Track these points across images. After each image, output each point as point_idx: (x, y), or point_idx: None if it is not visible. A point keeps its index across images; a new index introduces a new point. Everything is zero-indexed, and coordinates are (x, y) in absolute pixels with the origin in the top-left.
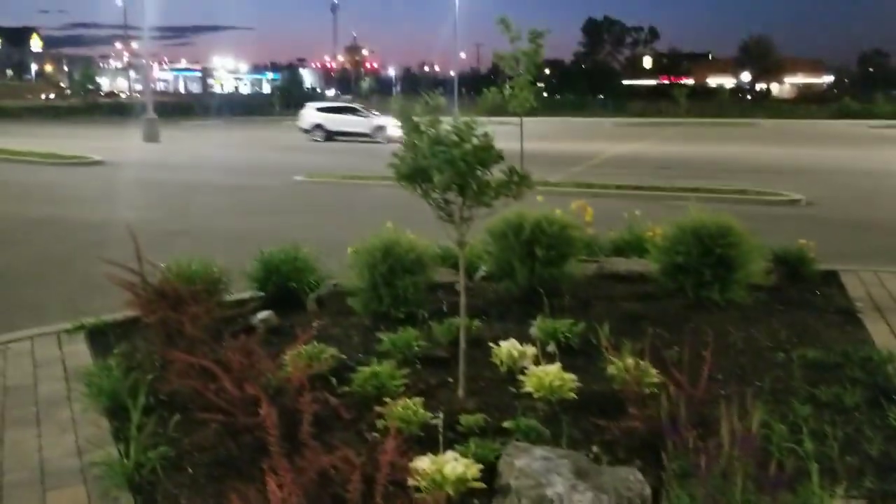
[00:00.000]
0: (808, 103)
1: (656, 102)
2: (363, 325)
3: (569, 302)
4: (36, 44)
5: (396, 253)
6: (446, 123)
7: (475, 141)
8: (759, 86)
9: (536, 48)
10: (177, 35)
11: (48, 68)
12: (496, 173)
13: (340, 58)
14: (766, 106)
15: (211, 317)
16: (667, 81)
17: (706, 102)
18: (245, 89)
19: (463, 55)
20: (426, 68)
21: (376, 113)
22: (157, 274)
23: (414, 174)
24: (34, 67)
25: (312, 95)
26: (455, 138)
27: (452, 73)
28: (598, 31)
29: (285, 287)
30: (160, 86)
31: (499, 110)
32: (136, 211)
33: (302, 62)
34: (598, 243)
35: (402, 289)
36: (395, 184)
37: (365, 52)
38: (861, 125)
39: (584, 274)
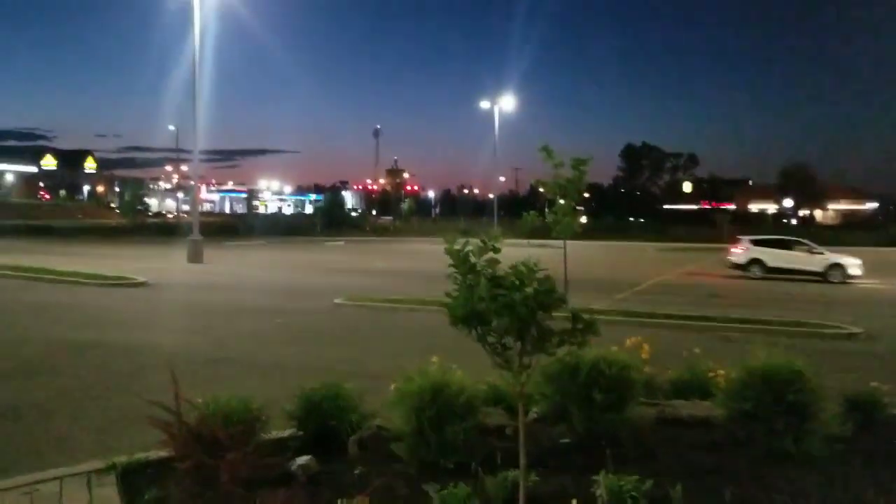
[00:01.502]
0: (853, 229)
1: (698, 227)
2: (409, 475)
3: (631, 452)
4: (90, 166)
5: (445, 396)
6: (505, 263)
7: (536, 284)
8: (802, 212)
9: (580, 175)
10: (225, 158)
11: (100, 189)
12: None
13: (381, 180)
14: (810, 232)
15: (248, 464)
16: (707, 206)
17: (749, 228)
18: (288, 210)
19: (502, 178)
20: (465, 191)
21: (822, 250)
22: (193, 410)
23: (470, 317)
24: (87, 188)
25: (353, 217)
26: (515, 281)
27: (491, 196)
28: (636, 156)
29: (326, 425)
30: (207, 206)
31: (538, 233)
32: (176, 335)
33: (344, 184)
34: (656, 383)
35: (452, 435)
36: (435, 310)
37: (406, 174)
38: None
39: (644, 419)
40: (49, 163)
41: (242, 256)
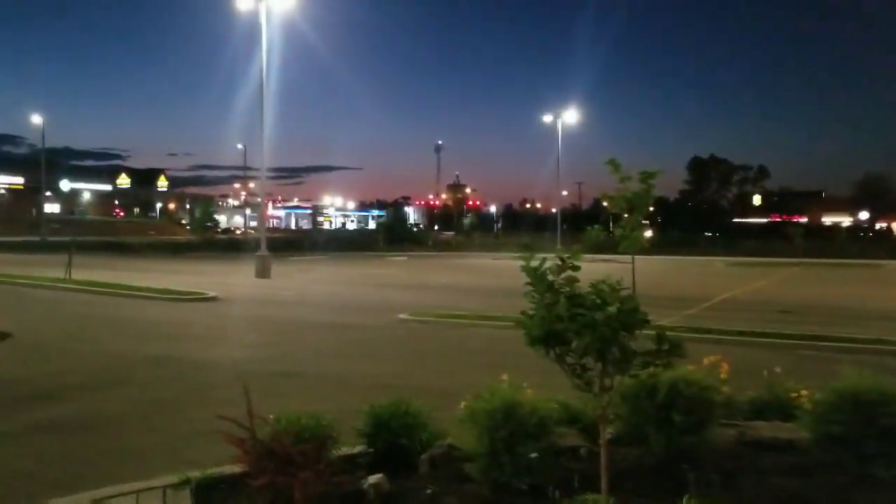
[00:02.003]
0: None
1: (769, 241)
2: (483, 496)
3: (711, 476)
4: (162, 184)
5: (518, 416)
6: (585, 282)
7: (619, 303)
8: (879, 224)
9: (648, 189)
10: (290, 175)
11: (171, 206)
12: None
13: (443, 195)
14: (888, 246)
15: (321, 482)
16: (778, 220)
17: (822, 242)
18: (352, 225)
19: (564, 193)
20: (527, 205)
21: None
22: (265, 426)
23: (548, 337)
24: (159, 206)
25: (415, 232)
26: (596, 299)
27: (553, 210)
28: (704, 168)
29: (396, 443)
30: (273, 222)
31: (603, 248)
32: (246, 350)
33: (406, 200)
34: (735, 403)
35: (526, 456)
36: (499, 325)
37: (467, 189)
38: None
39: (724, 441)
40: (123, 181)
41: (308, 271)
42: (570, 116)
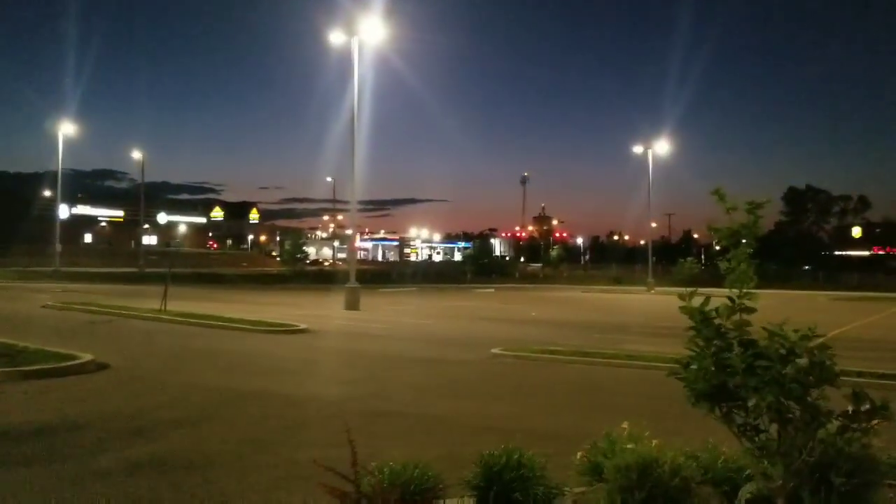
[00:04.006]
0: None
1: (872, 275)
2: None
3: None
4: (254, 217)
5: (656, 475)
6: (763, 328)
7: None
8: None
9: (755, 219)
10: (378, 207)
11: (262, 238)
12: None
13: (530, 227)
14: None
15: None
16: (881, 252)
17: None
18: (437, 257)
19: (653, 224)
20: (615, 237)
21: None
22: (366, 475)
23: (717, 393)
24: (251, 238)
25: (502, 264)
26: (781, 349)
27: (642, 242)
28: (800, 199)
29: (508, 498)
30: (360, 254)
31: (695, 281)
32: (339, 386)
33: (493, 231)
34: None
35: None
36: (601, 363)
37: (554, 221)
38: None
39: None
40: (217, 214)
41: (396, 303)
42: (661, 147)
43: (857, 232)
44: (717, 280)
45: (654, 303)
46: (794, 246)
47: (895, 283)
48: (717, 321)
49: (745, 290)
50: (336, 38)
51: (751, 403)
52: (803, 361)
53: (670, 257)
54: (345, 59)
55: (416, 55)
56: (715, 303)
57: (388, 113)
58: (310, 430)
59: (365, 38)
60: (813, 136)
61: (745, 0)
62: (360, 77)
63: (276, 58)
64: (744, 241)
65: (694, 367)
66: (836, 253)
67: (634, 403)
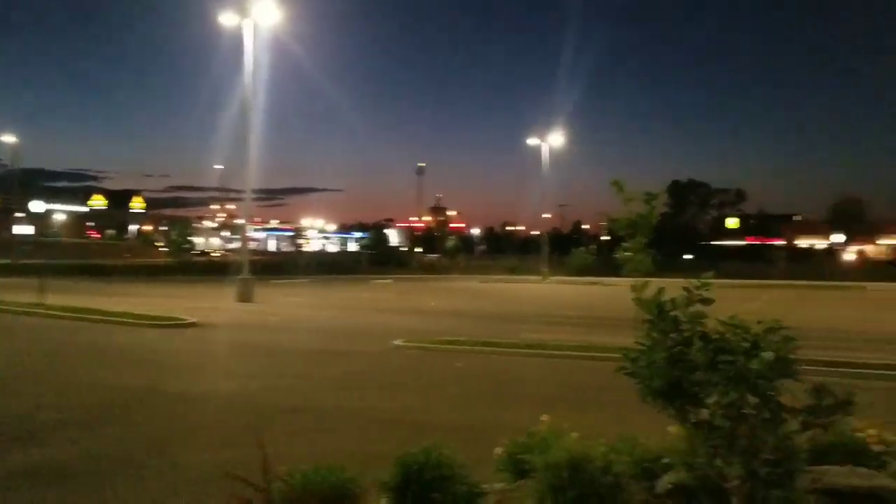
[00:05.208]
0: None
1: (749, 264)
2: None
3: None
4: (138, 205)
5: (588, 473)
6: (718, 320)
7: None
8: (853, 247)
9: (651, 210)
10: (270, 197)
11: (147, 228)
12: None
13: (425, 218)
14: (865, 269)
15: None
16: (755, 242)
17: (800, 264)
18: (332, 248)
19: (547, 215)
20: (509, 228)
21: None
22: (277, 482)
23: (672, 391)
24: (135, 228)
25: (399, 254)
26: (744, 343)
27: (535, 233)
28: (683, 192)
29: (427, 498)
30: (251, 244)
31: (588, 270)
32: (235, 381)
33: (389, 222)
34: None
35: None
36: (504, 352)
37: (450, 212)
38: None
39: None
40: (97, 202)
41: (291, 295)
42: (555, 139)
43: (733, 223)
44: (609, 270)
45: (550, 292)
46: (677, 236)
47: (770, 272)
48: (673, 313)
49: (702, 280)
50: (227, 19)
51: (712, 400)
52: (769, 355)
53: (563, 248)
54: (237, 41)
55: (312, 41)
56: (614, 292)
57: (283, 100)
58: (207, 430)
59: (258, 20)
60: (696, 131)
61: None
62: (254, 61)
63: (163, 39)
64: (639, 231)
65: (644, 361)
66: (715, 243)
67: (541, 393)
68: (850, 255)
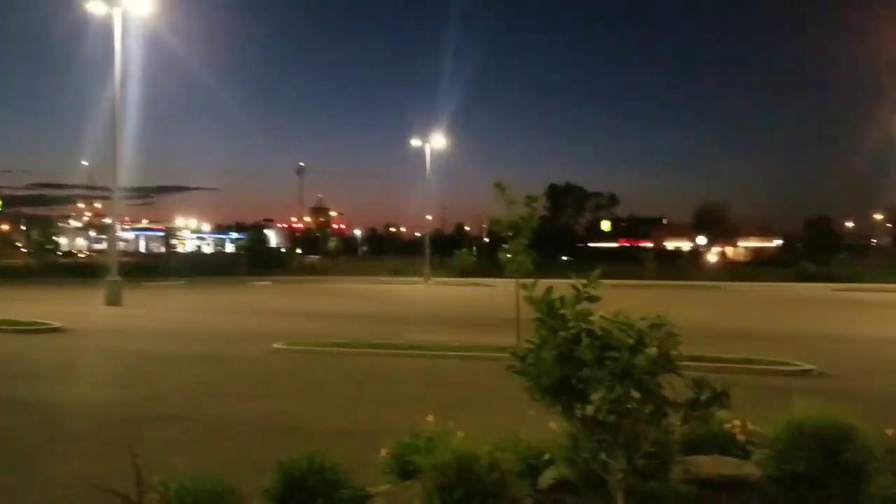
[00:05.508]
0: (762, 266)
1: (620, 264)
2: None
3: None
4: None
5: (475, 472)
6: (606, 317)
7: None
8: (715, 249)
9: (532, 212)
10: (141, 195)
11: (5, 228)
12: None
13: (307, 218)
14: (725, 269)
15: None
16: (626, 244)
17: (667, 265)
18: (208, 249)
19: (429, 217)
20: (392, 229)
21: None
22: (151, 493)
23: (560, 388)
24: None
25: (279, 255)
26: (629, 339)
27: (418, 234)
28: (560, 196)
29: None
30: (121, 245)
31: (469, 271)
32: (105, 389)
33: (268, 222)
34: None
35: None
36: (388, 353)
37: (332, 213)
38: (822, 288)
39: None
40: None
41: (164, 298)
42: (438, 142)
43: (606, 226)
44: (490, 270)
45: (432, 293)
46: (555, 238)
47: (640, 272)
48: (562, 311)
49: (591, 279)
50: (95, 7)
51: (598, 396)
52: (653, 351)
53: (445, 249)
54: (108, 31)
55: (190, 35)
56: (495, 293)
57: (157, 95)
58: (73, 442)
59: (130, 10)
60: (573, 136)
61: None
62: (125, 53)
63: (24, 27)
64: (520, 233)
65: (533, 359)
66: (590, 245)
67: (426, 393)
68: (712, 256)
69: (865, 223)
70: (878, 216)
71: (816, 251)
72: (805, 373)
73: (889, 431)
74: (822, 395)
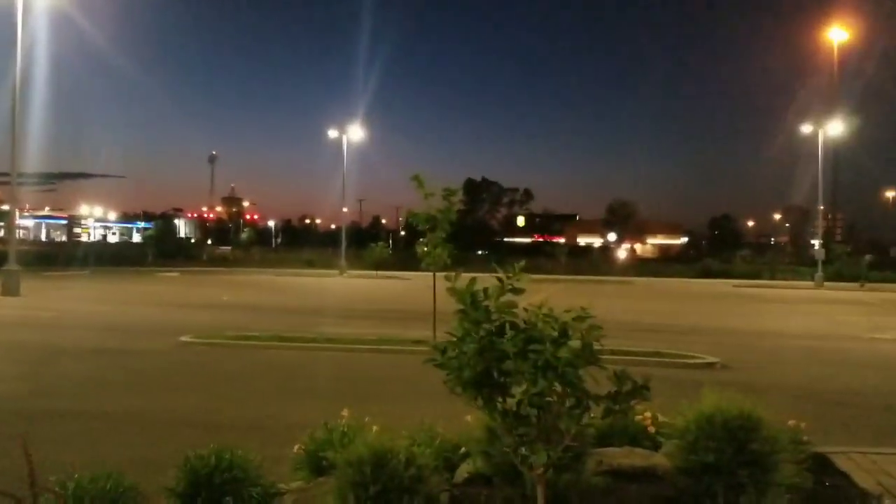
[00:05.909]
0: (668, 262)
1: (534, 259)
2: None
3: None
4: None
5: (392, 468)
6: (531, 309)
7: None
8: (625, 245)
9: (450, 206)
10: (43, 181)
11: None
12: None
13: (218, 208)
14: (634, 265)
15: None
16: (540, 239)
17: (579, 260)
18: (113, 238)
19: (345, 209)
20: (307, 221)
21: None
22: (45, 493)
23: (482, 381)
24: None
25: (188, 246)
26: (553, 332)
27: (334, 227)
28: (477, 190)
29: (219, 503)
30: (20, 233)
31: (385, 265)
32: None
33: (178, 211)
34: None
35: None
36: (300, 347)
37: (246, 203)
38: (724, 283)
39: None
40: None
41: (66, 288)
42: (355, 133)
43: (521, 221)
44: (406, 264)
45: (348, 286)
46: (471, 232)
47: (553, 267)
48: (485, 303)
49: (515, 272)
50: None
51: (520, 389)
52: (576, 344)
53: (361, 242)
54: (10, 12)
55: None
56: (411, 286)
57: (60, 78)
58: None
59: None
60: (489, 131)
61: None
62: (28, 34)
63: None
64: (438, 226)
65: (454, 352)
66: (506, 239)
67: (340, 387)
68: (622, 252)
69: (765, 222)
70: (777, 216)
71: (719, 248)
72: (709, 365)
73: (791, 422)
74: (726, 386)
